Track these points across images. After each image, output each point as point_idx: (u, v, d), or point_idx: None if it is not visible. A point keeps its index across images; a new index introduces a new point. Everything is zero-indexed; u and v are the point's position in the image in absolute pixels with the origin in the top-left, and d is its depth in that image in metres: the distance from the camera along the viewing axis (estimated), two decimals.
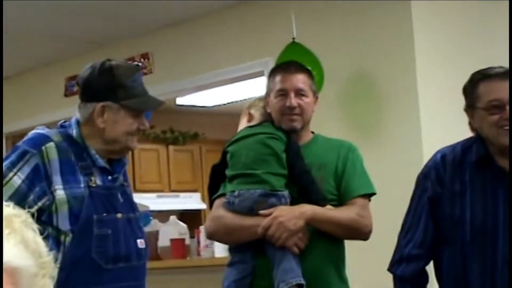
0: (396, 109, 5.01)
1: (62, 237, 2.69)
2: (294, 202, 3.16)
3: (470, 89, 2.90)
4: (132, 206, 2.93)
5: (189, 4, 5.75)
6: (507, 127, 2.79)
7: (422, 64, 4.94)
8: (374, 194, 3.27)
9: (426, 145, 4.50)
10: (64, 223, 2.70)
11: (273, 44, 5.35)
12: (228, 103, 8.39)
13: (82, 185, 2.76)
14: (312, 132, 3.37)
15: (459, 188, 2.90)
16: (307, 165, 3.20)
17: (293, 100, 3.20)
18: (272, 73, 3.35)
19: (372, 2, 5.12)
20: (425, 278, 2.98)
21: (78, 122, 2.85)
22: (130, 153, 9.09)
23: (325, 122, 4.54)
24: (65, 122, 2.92)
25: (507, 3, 5.34)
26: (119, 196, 2.86)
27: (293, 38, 5.12)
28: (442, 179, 2.94)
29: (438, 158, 2.97)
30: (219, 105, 8.71)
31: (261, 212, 3.10)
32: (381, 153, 4.93)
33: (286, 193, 3.15)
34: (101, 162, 2.83)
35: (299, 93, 3.22)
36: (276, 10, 5.60)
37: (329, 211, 3.17)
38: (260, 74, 5.80)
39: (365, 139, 4.92)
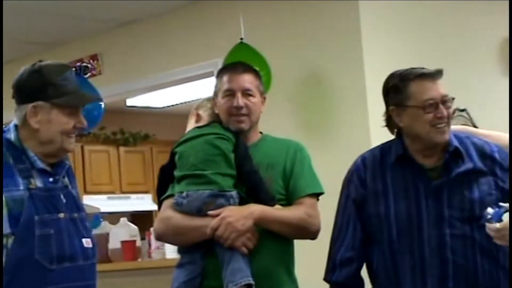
0: (345, 108, 5.06)
1: (4, 240, 2.66)
2: (242, 202, 3.17)
3: (401, 88, 2.96)
4: (77, 206, 2.88)
5: (138, 4, 5.72)
6: (441, 125, 2.91)
7: (370, 64, 5.00)
8: (322, 193, 3.28)
9: (374, 143, 4.48)
10: (4, 226, 2.66)
11: (222, 45, 5.37)
12: (179, 103, 8.39)
13: (21, 188, 2.72)
14: (261, 133, 3.37)
15: (382, 187, 3.00)
16: (255, 165, 3.21)
17: (240, 100, 3.21)
18: (220, 74, 3.35)
19: (320, 2, 5.21)
20: (360, 282, 3.04)
21: (16, 126, 2.83)
22: (80, 154, 9.07)
23: (274, 122, 4.51)
24: (5, 127, 2.89)
25: (452, 3, 5.44)
26: (62, 197, 2.81)
27: (241, 39, 5.15)
28: (364, 181, 3.04)
29: (359, 162, 3.09)
30: (170, 106, 8.72)
31: (210, 212, 3.10)
32: (330, 152, 4.95)
33: (234, 193, 3.15)
34: (40, 164, 2.80)
35: (246, 93, 3.23)
36: (225, 11, 5.65)
37: (277, 211, 3.18)
38: (209, 74, 5.79)
39: (314, 138, 4.94)
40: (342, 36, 5.12)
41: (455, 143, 2.98)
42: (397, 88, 2.97)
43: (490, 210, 2.76)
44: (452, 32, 5.62)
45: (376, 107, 3.94)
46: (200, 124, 3.31)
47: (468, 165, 2.94)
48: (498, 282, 2.92)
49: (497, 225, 2.71)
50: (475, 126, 5.55)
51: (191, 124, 3.36)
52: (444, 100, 2.93)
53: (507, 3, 5.42)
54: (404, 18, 5.28)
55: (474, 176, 2.96)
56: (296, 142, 3.39)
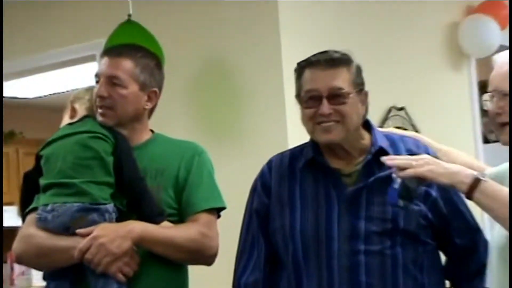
0: (258, 106, 5.11)
1: None
2: (122, 217, 3.10)
3: (297, 77, 3.03)
4: None
5: None
6: (325, 124, 2.95)
7: (288, 56, 5.00)
8: (223, 208, 3.25)
9: (288, 146, 4.53)
10: None
11: (107, 23, 5.30)
12: (52, 94, 8.29)
13: None
14: (152, 131, 3.35)
15: (288, 195, 3.02)
16: (141, 171, 3.16)
17: (103, 88, 3.19)
18: (101, 57, 3.35)
19: None
20: None
21: None
22: None
23: (168, 121, 4.50)
24: None
25: (363, 3, 5.56)
26: None
27: (129, 15, 5.06)
28: (268, 189, 3.07)
29: (265, 167, 3.11)
30: (41, 97, 8.60)
31: (79, 231, 3.04)
32: (238, 158, 5.04)
33: (111, 206, 3.09)
34: None
35: (112, 81, 3.20)
36: None
37: (164, 230, 3.13)
38: (90, 59, 5.83)
39: (218, 141, 5.06)
40: (257, 21, 5.18)
41: (382, 143, 2.99)
42: (296, 77, 3.03)
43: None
44: (388, 20, 5.75)
45: (295, 106, 3.97)
46: (74, 120, 3.29)
47: (391, 169, 2.84)
48: None
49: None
50: (414, 127, 5.69)
51: (65, 120, 3.32)
52: (334, 94, 2.93)
53: None
54: (324, 13, 5.40)
55: None
56: (195, 144, 3.36)
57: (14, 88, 8.11)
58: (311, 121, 2.95)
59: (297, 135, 3.59)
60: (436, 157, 2.89)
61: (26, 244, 3.16)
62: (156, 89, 3.30)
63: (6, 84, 7.25)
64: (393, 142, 3.06)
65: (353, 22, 5.50)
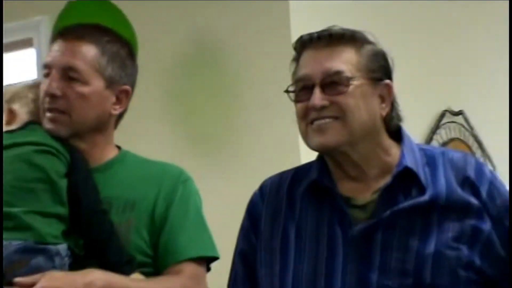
0: (263, 104, 4.94)
1: None
2: (77, 264, 2.99)
3: (294, 64, 2.86)
4: None
5: None
6: (318, 121, 2.76)
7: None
8: (216, 258, 3.14)
9: (304, 156, 4.26)
10: None
11: None
12: None
13: None
14: (118, 147, 3.24)
15: (281, 234, 2.90)
16: (103, 201, 3.07)
17: (54, 85, 3.05)
18: (52, 41, 3.23)
19: None
20: None
21: None
22: None
23: (141, 130, 4.57)
24: None
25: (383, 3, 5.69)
26: None
27: None
28: (257, 222, 2.96)
29: (255, 195, 2.98)
30: None
31: (18, 280, 2.88)
32: (235, 179, 4.79)
33: (63, 248, 2.98)
34: None
35: (68, 75, 3.07)
36: None
37: (136, 283, 3.01)
38: (28, 43, 5.71)
39: (209, 157, 4.87)
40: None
41: (409, 161, 2.77)
42: (293, 65, 2.85)
43: None
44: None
45: None
46: (13, 126, 3.18)
47: (422, 197, 2.76)
48: None
49: None
50: (475, 137, 5.74)
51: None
52: (330, 81, 2.73)
53: None
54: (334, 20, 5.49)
55: (436, 214, 2.79)
56: (178, 168, 3.23)
57: None
58: (304, 120, 2.77)
59: None
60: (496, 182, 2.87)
61: None
62: (127, 86, 3.21)
63: None
64: (433, 159, 2.86)
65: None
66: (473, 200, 2.80)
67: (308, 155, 3.14)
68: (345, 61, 2.80)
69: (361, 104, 2.81)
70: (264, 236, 2.92)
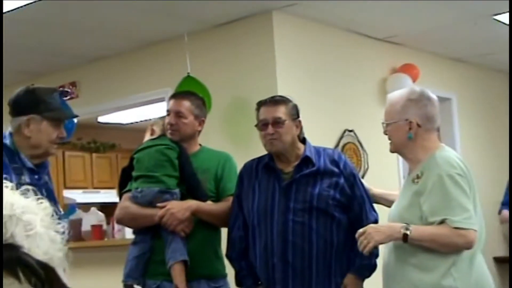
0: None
1: None
2: (183, 197, 3.13)
3: (256, 113, 3.02)
4: (54, 199, 2.80)
5: (107, 44, 5.73)
6: (271, 139, 2.90)
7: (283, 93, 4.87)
8: None
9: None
10: None
11: (172, 77, 5.26)
12: (138, 121, 8.31)
13: (15, 182, 2.65)
14: (200, 145, 3.37)
15: (253, 186, 3.05)
16: (194, 170, 3.18)
17: (172, 119, 3.22)
18: (169, 99, 3.36)
19: (245, 47, 5.15)
20: (247, 257, 3.04)
21: (11, 134, 2.83)
22: (62, 158, 8.88)
23: (212, 137, 4.44)
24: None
25: (345, 52, 5.46)
26: (43, 191, 2.70)
27: (188, 73, 5.09)
28: (242, 180, 3.09)
29: (242, 168, 3.14)
30: (131, 123, 8.65)
31: (158, 204, 3.07)
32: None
33: (177, 190, 3.13)
34: (29, 163, 2.77)
35: (178, 115, 3.22)
36: (174, 51, 5.67)
37: (209, 205, 3.18)
38: (161, 99, 5.60)
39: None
40: (259, 67, 4.87)
41: (308, 153, 2.99)
42: (256, 113, 2.98)
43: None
44: (346, 74, 5.68)
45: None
46: (153, 136, 3.23)
47: (313, 168, 2.92)
48: (330, 260, 2.91)
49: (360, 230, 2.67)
50: (360, 144, 5.53)
51: (147, 137, 3.29)
52: (275, 122, 2.92)
53: (385, 51, 5.45)
54: (310, 60, 5.30)
55: (319, 176, 2.94)
56: (226, 153, 3.39)
57: (115, 117, 8.10)
58: (264, 138, 3.02)
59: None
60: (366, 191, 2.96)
61: (124, 212, 3.31)
62: (203, 118, 3.41)
63: (110, 116, 7.36)
64: (318, 152, 3.06)
65: (326, 73, 5.33)
66: (336, 170, 3.00)
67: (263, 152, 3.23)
68: (281, 112, 2.97)
69: (288, 131, 2.98)
70: (245, 188, 3.08)
